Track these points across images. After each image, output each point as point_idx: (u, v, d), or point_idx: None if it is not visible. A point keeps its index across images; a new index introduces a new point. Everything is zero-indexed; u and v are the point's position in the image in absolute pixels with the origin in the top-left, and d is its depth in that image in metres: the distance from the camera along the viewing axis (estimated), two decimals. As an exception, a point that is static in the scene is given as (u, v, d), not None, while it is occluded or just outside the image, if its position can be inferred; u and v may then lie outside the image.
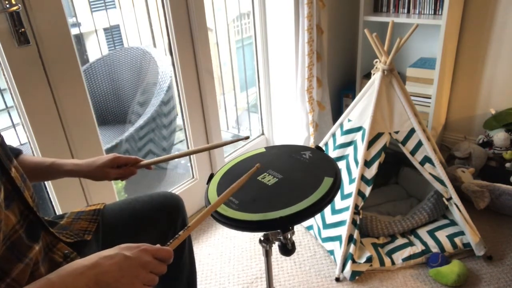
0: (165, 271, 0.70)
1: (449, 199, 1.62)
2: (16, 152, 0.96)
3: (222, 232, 1.92)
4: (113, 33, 2.73)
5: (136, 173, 1.07)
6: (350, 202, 1.59)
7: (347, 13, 2.37)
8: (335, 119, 1.92)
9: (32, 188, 0.84)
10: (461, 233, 1.64)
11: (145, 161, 1.08)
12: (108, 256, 0.66)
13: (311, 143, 2.18)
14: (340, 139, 1.72)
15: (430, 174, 1.62)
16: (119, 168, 1.05)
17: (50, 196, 1.42)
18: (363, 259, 1.58)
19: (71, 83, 1.35)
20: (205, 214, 0.82)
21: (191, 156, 1.96)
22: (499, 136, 2.04)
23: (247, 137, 1.03)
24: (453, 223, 1.70)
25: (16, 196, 0.77)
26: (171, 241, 0.74)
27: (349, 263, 1.56)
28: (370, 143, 1.61)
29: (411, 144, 1.63)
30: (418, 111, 1.67)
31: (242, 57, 2.69)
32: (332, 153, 1.75)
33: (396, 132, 1.63)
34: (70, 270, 0.64)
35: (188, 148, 1.96)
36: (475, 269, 1.59)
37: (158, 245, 0.70)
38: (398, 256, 1.63)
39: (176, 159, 2.59)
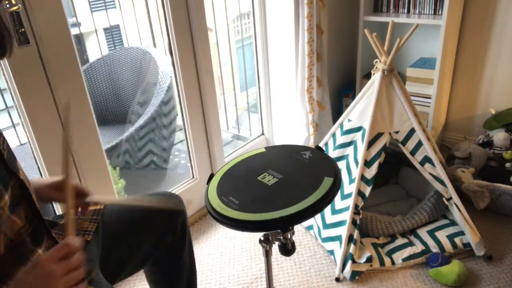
0: (81, 259, 0.66)
1: (449, 199, 1.62)
2: None
3: (222, 232, 1.92)
4: (113, 33, 2.73)
5: (86, 209, 0.96)
6: (350, 202, 1.59)
7: (347, 13, 2.37)
8: (335, 119, 1.92)
9: (35, 192, 0.84)
10: (461, 233, 1.64)
11: (96, 199, 0.96)
12: (21, 283, 0.63)
13: (311, 143, 2.18)
14: (340, 139, 1.72)
15: (430, 174, 1.62)
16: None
17: (50, 196, 1.42)
18: (363, 259, 1.58)
19: (71, 83, 1.35)
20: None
21: (191, 156, 1.97)
22: (499, 136, 2.04)
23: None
24: (453, 223, 1.70)
25: (23, 199, 0.77)
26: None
27: (349, 263, 1.56)
28: (370, 143, 1.61)
29: (411, 144, 1.63)
30: (418, 111, 1.67)
31: (242, 57, 2.69)
32: (332, 153, 1.75)
33: (396, 132, 1.63)
34: None
35: (188, 148, 1.96)
36: (475, 269, 1.59)
37: (54, 248, 0.66)
38: (398, 256, 1.63)
39: (176, 159, 2.60)
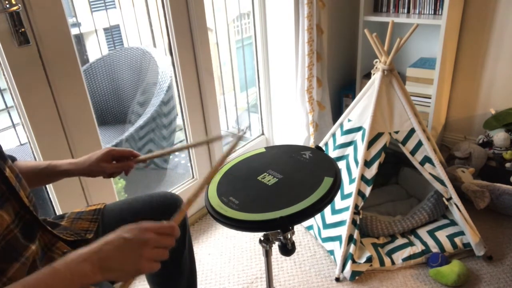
0: (172, 244, 0.71)
1: (449, 199, 1.62)
2: (10, 159, 0.96)
3: (222, 232, 1.92)
4: (113, 33, 2.73)
5: (133, 167, 1.05)
6: (350, 202, 1.59)
7: (347, 13, 2.37)
8: (335, 119, 1.92)
9: (28, 188, 0.84)
10: (461, 233, 1.64)
11: (142, 156, 1.05)
12: (109, 242, 0.67)
13: (311, 143, 2.18)
14: (340, 139, 1.72)
15: (430, 174, 1.62)
16: (115, 162, 1.03)
17: (50, 196, 1.42)
18: (363, 259, 1.58)
19: (71, 83, 1.35)
20: (204, 183, 0.83)
21: (191, 156, 1.97)
22: (499, 136, 2.04)
23: (244, 133, 0.99)
24: (453, 223, 1.70)
25: (11, 196, 0.77)
26: (174, 216, 0.75)
27: (349, 263, 1.56)
28: (370, 143, 1.61)
29: (411, 144, 1.63)
30: (418, 111, 1.67)
31: (242, 57, 2.69)
32: (332, 153, 1.75)
33: (396, 132, 1.63)
34: (74, 257, 0.64)
35: (188, 148, 1.96)
36: (475, 269, 1.59)
37: (159, 223, 0.71)
38: (398, 256, 1.63)
39: (176, 159, 2.59)
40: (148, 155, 1.06)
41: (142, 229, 0.68)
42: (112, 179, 1.58)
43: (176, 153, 2.65)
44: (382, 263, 1.61)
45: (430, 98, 2.11)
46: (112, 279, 0.66)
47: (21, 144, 2.03)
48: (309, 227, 1.85)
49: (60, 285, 0.62)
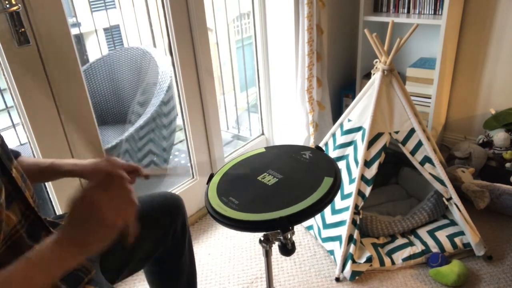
0: (130, 186, 0.67)
1: (449, 199, 1.62)
2: (14, 154, 0.96)
3: (222, 232, 1.92)
4: (113, 33, 2.73)
5: (134, 182, 1.03)
6: (350, 202, 1.59)
7: (347, 13, 2.37)
8: (335, 119, 1.92)
9: (32, 189, 0.85)
10: (461, 233, 1.64)
11: (146, 172, 1.04)
12: (69, 219, 0.64)
13: (311, 143, 2.18)
14: (340, 139, 1.72)
15: (430, 174, 1.62)
16: None
17: (50, 196, 1.42)
18: (363, 259, 1.58)
19: (71, 83, 1.35)
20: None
21: (191, 156, 1.97)
22: (499, 136, 2.04)
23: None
24: (453, 223, 1.70)
25: (16, 196, 0.78)
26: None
27: (349, 263, 1.56)
28: (370, 143, 1.61)
29: (411, 144, 1.63)
30: (418, 111, 1.67)
31: (242, 57, 2.69)
32: (332, 153, 1.75)
33: (396, 132, 1.63)
34: (45, 244, 0.63)
35: (188, 148, 1.96)
36: (475, 269, 1.59)
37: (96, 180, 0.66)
38: (398, 256, 1.63)
39: (176, 159, 2.59)
40: (151, 171, 1.05)
41: (86, 194, 0.63)
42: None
43: (176, 152, 2.65)
44: (382, 263, 1.61)
45: (430, 98, 2.11)
46: (94, 252, 0.64)
47: (21, 144, 2.02)
48: (309, 227, 1.85)
49: (38, 273, 0.60)
